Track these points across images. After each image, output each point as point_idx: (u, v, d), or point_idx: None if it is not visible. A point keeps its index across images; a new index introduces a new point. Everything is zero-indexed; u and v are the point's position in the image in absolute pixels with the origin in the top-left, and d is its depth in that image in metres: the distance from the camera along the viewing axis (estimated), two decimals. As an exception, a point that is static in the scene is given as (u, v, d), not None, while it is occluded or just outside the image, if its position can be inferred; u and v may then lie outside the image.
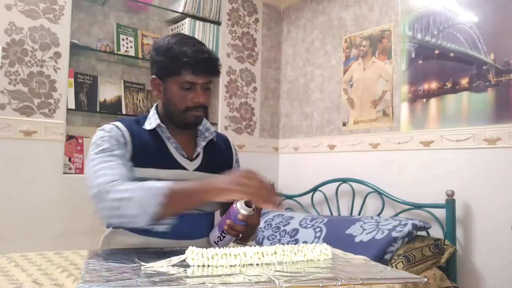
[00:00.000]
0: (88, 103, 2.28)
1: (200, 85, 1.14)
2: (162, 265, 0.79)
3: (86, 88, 2.28)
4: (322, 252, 0.92)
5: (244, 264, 0.83)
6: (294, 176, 2.82)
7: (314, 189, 2.54)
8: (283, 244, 0.91)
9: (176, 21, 2.62)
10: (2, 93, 1.93)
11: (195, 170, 1.21)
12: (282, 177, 2.92)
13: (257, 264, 0.83)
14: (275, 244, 0.90)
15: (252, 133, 2.84)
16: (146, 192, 0.95)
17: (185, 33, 2.49)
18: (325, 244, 0.94)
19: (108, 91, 2.37)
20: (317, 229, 2.00)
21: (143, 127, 1.19)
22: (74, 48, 2.19)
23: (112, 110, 2.36)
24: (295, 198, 2.68)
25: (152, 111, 1.23)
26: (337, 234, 1.90)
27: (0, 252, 1.07)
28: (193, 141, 1.26)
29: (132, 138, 1.14)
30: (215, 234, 1.14)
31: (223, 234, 1.10)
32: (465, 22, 1.93)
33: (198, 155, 1.24)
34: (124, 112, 2.39)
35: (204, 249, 0.83)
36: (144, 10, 2.53)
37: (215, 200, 1.00)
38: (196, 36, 2.52)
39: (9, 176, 1.93)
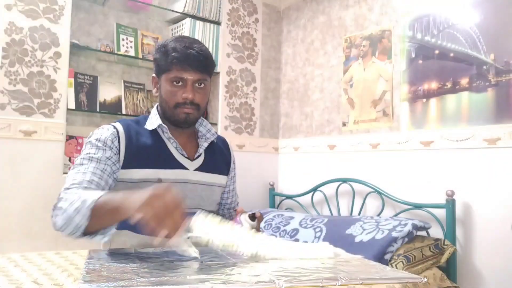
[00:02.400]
0: (88, 103, 2.28)
1: (190, 81, 1.14)
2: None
3: (86, 88, 2.28)
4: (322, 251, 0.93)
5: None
6: (294, 176, 2.82)
7: (314, 189, 2.54)
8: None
9: (176, 21, 2.62)
10: (2, 93, 1.94)
11: (196, 170, 1.22)
12: (282, 177, 2.92)
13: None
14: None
15: (252, 133, 2.84)
16: (76, 207, 0.91)
17: (185, 33, 2.50)
18: (326, 243, 0.95)
19: (108, 91, 2.37)
20: (317, 229, 2.00)
21: (145, 127, 1.20)
22: (74, 48, 2.19)
23: (112, 110, 2.36)
24: (295, 198, 2.67)
25: (153, 112, 1.24)
26: (337, 234, 1.90)
27: (0, 252, 1.07)
28: (194, 142, 1.28)
29: (129, 140, 1.15)
30: None
31: None
32: (465, 22, 1.93)
33: (199, 156, 1.25)
34: (124, 112, 2.39)
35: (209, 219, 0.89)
36: (144, 10, 2.53)
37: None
38: (196, 36, 2.52)
39: (9, 176, 1.93)
